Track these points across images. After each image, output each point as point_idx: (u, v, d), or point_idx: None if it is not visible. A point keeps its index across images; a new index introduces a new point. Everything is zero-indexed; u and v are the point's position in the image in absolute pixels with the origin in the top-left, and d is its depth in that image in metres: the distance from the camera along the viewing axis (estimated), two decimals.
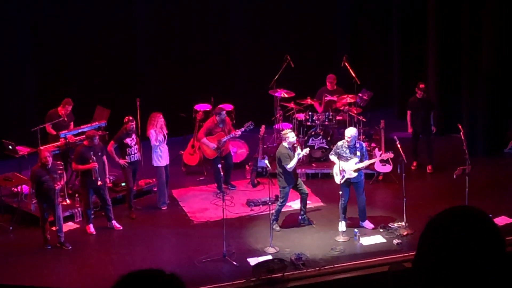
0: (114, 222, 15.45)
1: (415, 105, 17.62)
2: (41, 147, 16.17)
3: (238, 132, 16.84)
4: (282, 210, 15.55)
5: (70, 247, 14.58)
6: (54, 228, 14.63)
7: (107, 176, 15.48)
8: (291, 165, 14.69)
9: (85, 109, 17.81)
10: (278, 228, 15.09)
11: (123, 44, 19.87)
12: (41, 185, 14.28)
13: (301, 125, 18.20)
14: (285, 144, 14.89)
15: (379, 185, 17.19)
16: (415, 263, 2.92)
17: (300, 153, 14.84)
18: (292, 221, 15.29)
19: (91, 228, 15.24)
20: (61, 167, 14.87)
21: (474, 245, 2.78)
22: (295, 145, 15.10)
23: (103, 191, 15.18)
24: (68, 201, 15.62)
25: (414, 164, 17.73)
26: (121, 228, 15.45)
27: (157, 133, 15.91)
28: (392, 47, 21.12)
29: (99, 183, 14.94)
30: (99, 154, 15.09)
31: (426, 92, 17.70)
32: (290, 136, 14.86)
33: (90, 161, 14.83)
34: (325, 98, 18.45)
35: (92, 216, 15.41)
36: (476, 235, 2.81)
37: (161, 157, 16.07)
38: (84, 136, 16.16)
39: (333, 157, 14.94)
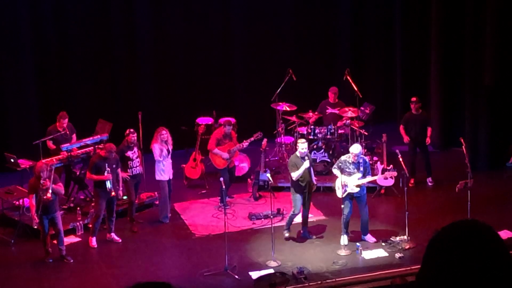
0: (113, 234, 15.44)
1: (409, 121, 17.62)
2: (42, 160, 16.18)
3: (246, 143, 16.83)
4: (284, 223, 15.55)
5: (71, 261, 14.55)
6: (55, 242, 14.60)
7: (120, 188, 15.44)
8: (296, 174, 14.64)
9: (87, 122, 17.83)
10: (287, 235, 15.03)
11: (125, 57, 19.90)
12: (39, 197, 14.23)
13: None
14: (297, 153, 14.90)
15: (381, 198, 17.19)
16: (419, 277, 2.91)
17: (308, 164, 14.73)
18: (294, 235, 15.24)
19: (93, 241, 15.22)
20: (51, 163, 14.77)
21: (480, 259, 2.77)
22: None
23: (113, 203, 15.22)
24: (61, 212, 15.40)
25: (412, 182, 17.60)
26: (120, 240, 15.44)
27: (161, 148, 15.90)
28: (395, 60, 21.15)
29: (112, 194, 14.91)
30: (114, 166, 15.07)
31: (419, 105, 17.64)
32: (301, 146, 14.83)
33: (106, 173, 14.80)
34: (327, 111, 18.52)
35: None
36: (482, 249, 2.80)
37: (164, 171, 16.06)
38: (89, 149, 16.31)
39: (336, 171, 14.93)
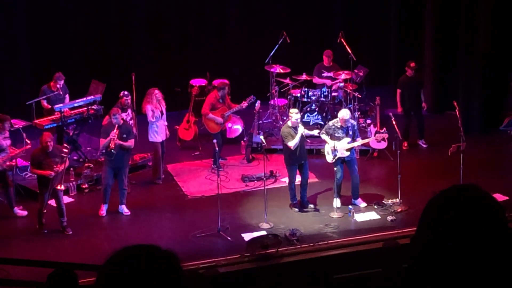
0: (123, 206, 15.07)
1: (405, 84, 17.61)
2: (36, 120, 16.19)
3: (245, 104, 16.80)
4: (277, 186, 15.63)
5: (70, 232, 14.31)
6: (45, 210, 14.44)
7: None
8: (293, 143, 14.59)
9: (81, 83, 17.78)
10: (297, 209, 15.02)
11: (119, 18, 19.81)
12: (40, 169, 14.07)
13: (296, 101, 18.17)
14: (289, 123, 14.78)
15: (373, 161, 17.22)
16: (415, 239, 2.91)
17: (303, 131, 14.66)
18: (287, 197, 15.25)
19: (103, 210, 14.90)
20: (66, 150, 14.49)
21: (478, 224, 2.77)
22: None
23: (121, 173, 14.83)
24: (63, 187, 15.23)
25: (405, 145, 17.63)
26: (129, 213, 15.07)
27: (154, 109, 15.88)
28: (389, 23, 21.08)
29: (112, 145, 14.46)
30: (124, 136, 14.71)
31: (416, 71, 17.70)
32: (294, 116, 14.71)
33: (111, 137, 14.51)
34: (323, 74, 18.51)
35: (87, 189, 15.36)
36: (479, 212, 2.80)
37: (157, 133, 16.05)
38: (82, 109, 16.36)
39: (324, 136, 14.91)
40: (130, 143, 14.90)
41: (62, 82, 16.79)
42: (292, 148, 14.55)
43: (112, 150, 14.55)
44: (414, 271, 2.85)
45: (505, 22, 18.41)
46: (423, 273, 2.82)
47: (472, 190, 2.88)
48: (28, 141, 15.14)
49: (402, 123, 17.24)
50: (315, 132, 15.08)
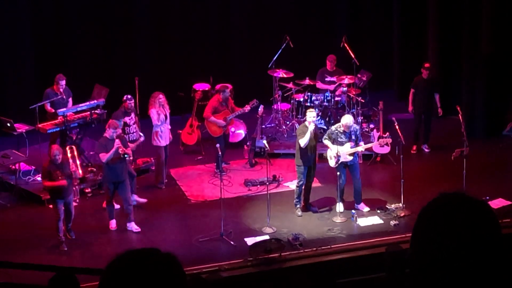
0: (132, 224, 14.63)
1: (420, 85, 17.56)
2: (40, 125, 16.20)
3: (248, 108, 16.79)
4: (280, 190, 15.61)
5: (74, 237, 14.29)
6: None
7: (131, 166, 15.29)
8: (303, 141, 14.56)
9: (84, 87, 17.77)
10: (300, 213, 15.01)
11: (123, 22, 19.80)
12: (52, 181, 13.94)
13: (299, 106, 18.16)
14: (306, 122, 14.80)
15: (377, 166, 17.20)
16: (411, 246, 2.91)
17: (312, 129, 14.60)
18: (290, 202, 15.26)
19: (112, 224, 14.65)
20: (74, 166, 14.51)
21: (470, 230, 2.77)
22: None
23: (124, 190, 14.48)
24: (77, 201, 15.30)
25: (414, 148, 17.61)
26: (139, 230, 14.59)
27: (158, 113, 15.87)
28: (392, 28, 21.06)
29: (122, 151, 14.33)
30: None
31: (431, 72, 17.67)
32: (309, 115, 14.73)
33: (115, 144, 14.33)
34: (325, 79, 18.50)
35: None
36: (471, 220, 2.80)
37: (162, 137, 16.04)
38: (85, 114, 16.30)
39: (326, 141, 14.92)
40: (129, 150, 14.91)
41: (64, 82, 16.74)
42: (302, 146, 14.55)
43: (126, 155, 14.49)
44: (415, 277, 2.85)
45: (508, 25, 18.39)
46: (423, 279, 2.82)
47: (460, 198, 2.87)
48: (142, 134, 15.57)
49: (410, 126, 17.21)
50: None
